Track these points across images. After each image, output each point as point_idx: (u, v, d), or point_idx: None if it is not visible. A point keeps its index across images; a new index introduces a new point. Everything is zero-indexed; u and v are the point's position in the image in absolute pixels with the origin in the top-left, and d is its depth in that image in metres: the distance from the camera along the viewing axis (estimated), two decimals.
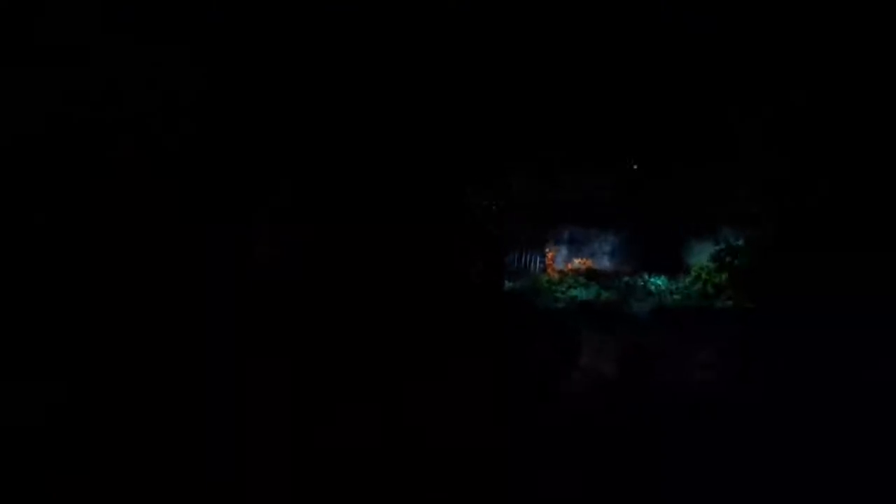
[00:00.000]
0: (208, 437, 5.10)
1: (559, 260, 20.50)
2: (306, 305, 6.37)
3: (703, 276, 14.57)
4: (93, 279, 5.29)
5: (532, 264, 19.95)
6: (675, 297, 14.28)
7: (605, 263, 20.59)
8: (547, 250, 20.45)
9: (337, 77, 7.13)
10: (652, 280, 16.04)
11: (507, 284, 16.51)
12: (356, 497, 4.69)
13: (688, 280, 15.09)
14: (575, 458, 5.80)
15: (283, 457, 4.90)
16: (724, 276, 13.86)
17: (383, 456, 5.10)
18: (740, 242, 13.69)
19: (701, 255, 17.59)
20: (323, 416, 5.51)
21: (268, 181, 6.56)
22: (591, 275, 18.47)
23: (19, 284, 4.93)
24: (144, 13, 5.56)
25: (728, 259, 13.12)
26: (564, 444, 5.85)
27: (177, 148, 5.78)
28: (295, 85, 6.71)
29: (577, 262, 20.00)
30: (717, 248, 13.66)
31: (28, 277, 4.99)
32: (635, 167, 15.32)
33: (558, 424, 6.47)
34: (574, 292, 16.14)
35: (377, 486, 4.75)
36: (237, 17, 6.12)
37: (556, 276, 18.63)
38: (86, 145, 5.27)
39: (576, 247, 20.93)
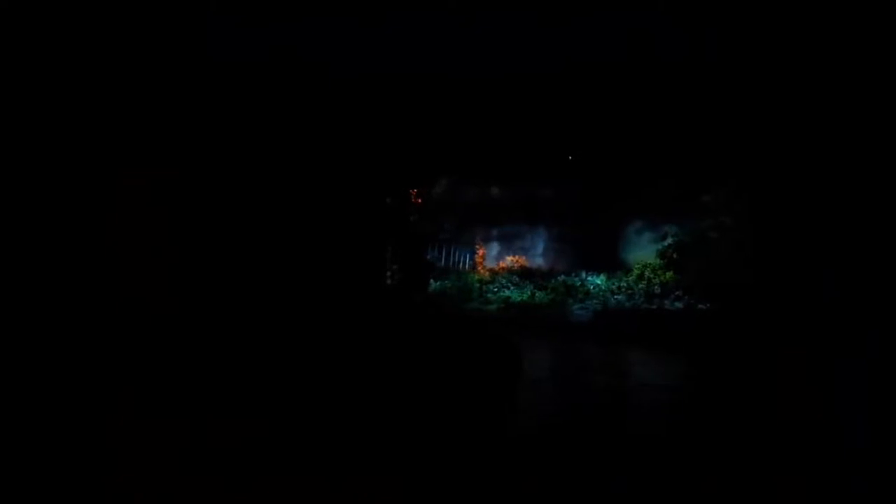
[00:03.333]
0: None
1: (490, 257, 19.13)
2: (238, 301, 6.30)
3: (648, 274, 13.28)
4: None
5: (461, 262, 18.47)
6: (618, 297, 12.90)
7: (538, 260, 19.37)
8: (477, 247, 19.05)
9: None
10: (590, 279, 14.68)
11: (433, 284, 14.86)
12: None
13: (630, 278, 13.78)
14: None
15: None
16: (670, 274, 12.58)
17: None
18: (685, 238, 12.41)
19: (641, 252, 16.48)
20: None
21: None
22: (524, 273, 17.12)
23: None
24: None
25: (676, 256, 11.79)
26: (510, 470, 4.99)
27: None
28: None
29: (509, 259, 18.66)
30: (664, 244, 12.32)
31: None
32: (571, 158, 13.77)
33: (499, 445, 5.39)
34: (507, 293, 14.58)
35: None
36: None
37: (487, 275, 17.24)
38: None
39: (508, 243, 19.63)
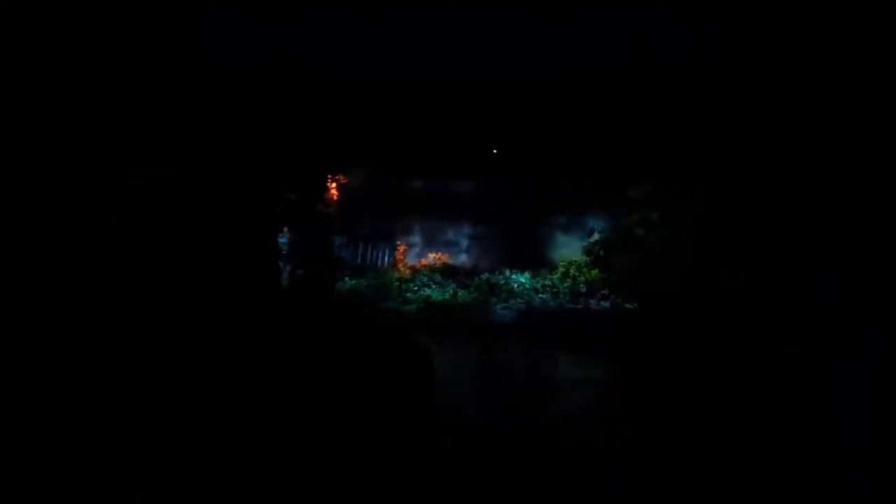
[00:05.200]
0: None
1: (412, 254, 18.25)
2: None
3: (573, 272, 12.73)
4: None
5: (380, 259, 17.51)
6: (543, 296, 12.28)
7: (461, 258, 18.68)
8: (398, 243, 18.13)
9: None
10: (514, 277, 14.06)
11: (348, 283, 13.83)
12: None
13: (555, 277, 13.20)
14: None
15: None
16: (596, 272, 12.06)
17: None
18: (612, 234, 11.89)
19: (566, 248, 16.02)
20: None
21: None
22: (446, 271, 16.36)
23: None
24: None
25: (602, 253, 11.25)
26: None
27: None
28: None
29: (431, 256, 17.86)
30: (590, 240, 11.77)
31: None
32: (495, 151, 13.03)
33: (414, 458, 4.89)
34: (427, 292, 13.72)
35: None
36: None
37: (407, 273, 16.37)
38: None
39: (430, 240, 18.81)
